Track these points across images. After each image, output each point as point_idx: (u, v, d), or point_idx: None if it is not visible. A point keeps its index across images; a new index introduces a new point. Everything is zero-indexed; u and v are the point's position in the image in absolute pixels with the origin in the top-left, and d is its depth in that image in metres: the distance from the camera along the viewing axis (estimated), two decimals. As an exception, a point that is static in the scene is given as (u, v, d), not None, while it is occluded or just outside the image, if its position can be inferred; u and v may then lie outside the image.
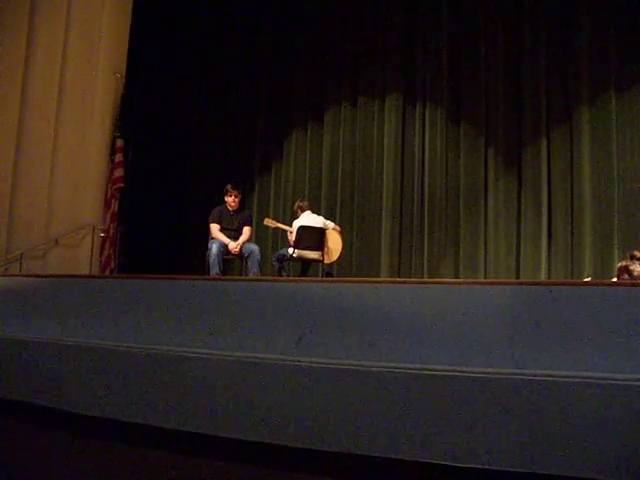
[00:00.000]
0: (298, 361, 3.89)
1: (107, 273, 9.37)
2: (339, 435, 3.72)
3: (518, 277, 8.44)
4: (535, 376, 3.40)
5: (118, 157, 9.81)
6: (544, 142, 8.54)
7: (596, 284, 4.49)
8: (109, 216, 9.72)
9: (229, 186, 8.18)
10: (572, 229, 8.32)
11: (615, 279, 5.65)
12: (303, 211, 8.73)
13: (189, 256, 9.61)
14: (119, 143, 9.86)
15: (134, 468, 4.32)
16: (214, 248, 7.75)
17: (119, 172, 9.78)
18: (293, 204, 9.51)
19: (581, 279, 7.81)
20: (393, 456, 3.57)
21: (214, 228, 8.03)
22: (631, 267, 5.56)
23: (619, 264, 5.70)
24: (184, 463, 4.20)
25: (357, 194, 9.52)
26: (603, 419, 3.24)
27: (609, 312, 3.55)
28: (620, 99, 8.20)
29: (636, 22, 8.13)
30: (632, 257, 5.72)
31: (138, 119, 10.31)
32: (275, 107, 10.24)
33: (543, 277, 8.29)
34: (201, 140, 10.51)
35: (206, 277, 6.78)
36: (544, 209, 8.43)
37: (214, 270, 7.65)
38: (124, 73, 10.03)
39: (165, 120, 10.45)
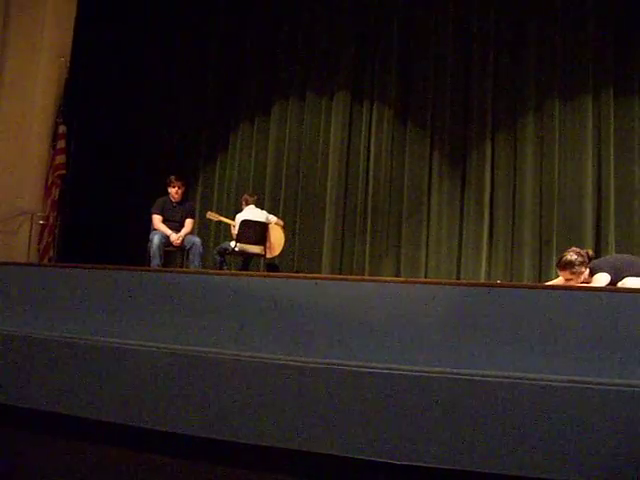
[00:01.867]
0: (237, 355, 3.88)
1: (45, 262, 9.21)
2: (274, 429, 3.72)
3: (458, 278, 8.53)
4: (471, 376, 3.45)
5: (60, 144, 9.63)
6: (489, 146, 8.63)
7: (533, 287, 4.58)
8: (49, 203, 9.55)
9: (173, 177, 8.14)
10: (513, 233, 8.44)
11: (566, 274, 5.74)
12: (247, 205, 8.71)
13: (130, 247, 9.51)
14: (62, 129, 9.69)
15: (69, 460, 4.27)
16: (156, 239, 7.70)
17: (61, 159, 9.60)
18: (237, 197, 9.49)
19: (521, 281, 7.97)
20: (323, 451, 3.59)
21: (156, 219, 7.97)
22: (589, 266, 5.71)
23: (573, 257, 5.84)
24: (121, 456, 4.17)
25: (301, 190, 9.51)
26: (535, 419, 3.31)
27: (545, 314, 3.63)
28: (564, 107, 8.34)
29: (582, 32, 8.29)
30: (589, 258, 5.86)
31: (82, 105, 10.12)
32: (222, 99, 10.15)
33: (483, 279, 8.40)
34: (146, 129, 10.37)
35: (147, 268, 6.73)
36: (486, 212, 8.54)
37: (155, 261, 7.60)
38: (69, 58, 9.85)
39: (110, 108, 10.27)
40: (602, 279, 5.57)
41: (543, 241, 8.25)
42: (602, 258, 6.36)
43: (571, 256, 5.77)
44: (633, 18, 8.12)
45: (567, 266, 5.76)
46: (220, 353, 3.95)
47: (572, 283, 5.78)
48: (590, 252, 5.96)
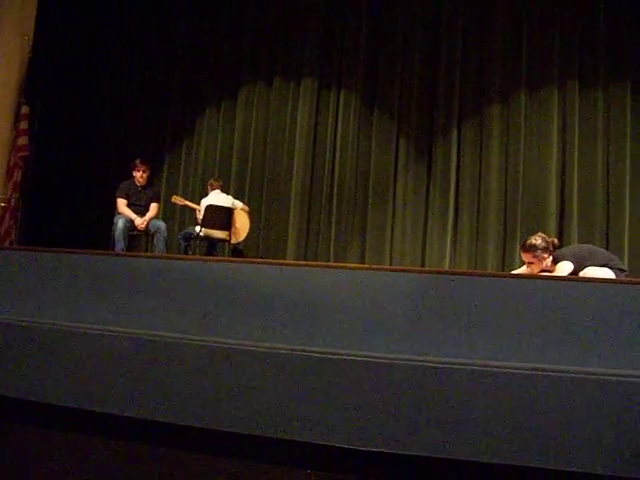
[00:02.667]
0: (201, 341, 3.87)
1: (7, 245, 9.09)
2: (237, 414, 3.73)
3: (423, 265, 8.58)
4: (434, 362, 3.48)
5: (23, 124, 9.46)
6: (455, 135, 8.69)
7: (497, 275, 4.62)
8: (11, 186, 9.38)
9: (138, 161, 8.09)
10: (477, 221, 8.51)
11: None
12: (213, 189, 8.69)
13: (94, 231, 9.42)
14: (24, 110, 9.52)
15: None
16: (120, 223, 7.65)
17: (23, 140, 9.44)
18: (203, 182, 9.45)
19: (485, 270, 8.04)
20: (287, 437, 3.60)
21: (121, 203, 7.92)
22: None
23: (538, 241, 5.91)
24: (82, 441, 4.14)
25: (267, 175, 9.48)
26: (497, 406, 3.35)
27: (508, 302, 3.66)
28: (530, 99, 8.42)
29: (548, 25, 8.36)
30: (554, 247, 5.93)
31: (46, 86, 9.98)
32: (189, 83, 10.08)
33: (447, 266, 8.46)
34: (111, 112, 10.27)
35: (110, 253, 6.67)
36: (451, 200, 8.60)
37: (119, 246, 7.56)
38: (32, 35, 9.67)
39: (75, 88, 10.14)
40: (565, 268, 5.64)
41: (507, 230, 8.33)
42: (565, 247, 6.44)
43: (536, 240, 5.85)
44: (598, 11, 8.21)
45: (530, 249, 5.83)
46: (184, 339, 3.94)
47: (533, 267, 5.86)
48: (556, 241, 6.04)
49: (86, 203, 9.88)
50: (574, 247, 6.50)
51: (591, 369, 3.29)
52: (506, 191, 8.41)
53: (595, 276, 5.38)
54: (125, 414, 3.97)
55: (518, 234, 8.19)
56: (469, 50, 8.76)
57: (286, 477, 3.70)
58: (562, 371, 3.31)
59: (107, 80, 10.31)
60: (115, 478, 3.95)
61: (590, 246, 6.29)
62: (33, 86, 9.65)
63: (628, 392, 3.21)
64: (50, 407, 4.16)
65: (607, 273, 5.47)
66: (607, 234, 7.80)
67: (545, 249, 5.80)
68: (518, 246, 8.09)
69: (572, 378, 3.28)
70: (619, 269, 5.59)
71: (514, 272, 6.27)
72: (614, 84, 8.13)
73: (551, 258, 5.83)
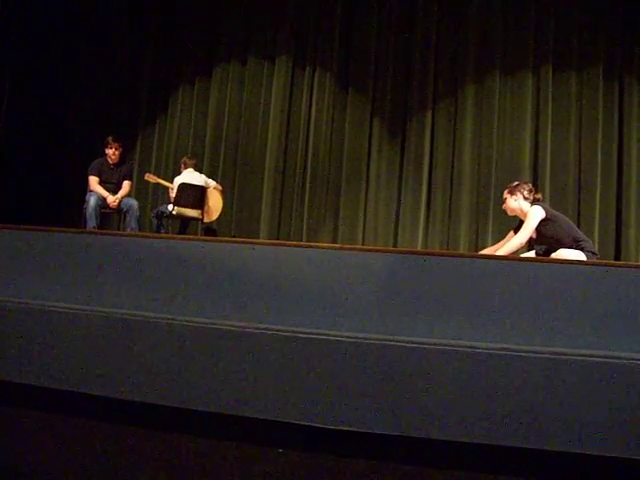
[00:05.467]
0: (172, 319, 3.87)
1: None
2: (210, 394, 3.73)
3: (395, 245, 8.63)
4: (405, 342, 3.50)
5: (-11, 101, 9.35)
6: (429, 115, 8.71)
7: (470, 256, 4.65)
8: (-21, 163, 9.28)
9: (110, 138, 8.01)
10: (450, 202, 8.56)
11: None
12: (186, 168, 8.64)
13: (65, 208, 9.35)
14: (-7, 86, 9.41)
15: None
16: (92, 201, 7.59)
17: (-8, 117, 9.34)
18: (176, 160, 9.39)
19: (457, 250, 8.09)
20: (257, 416, 3.61)
21: (93, 181, 7.85)
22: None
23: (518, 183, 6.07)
24: (50, 421, 4.13)
25: (241, 154, 9.45)
26: (467, 385, 3.38)
27: (479, 283, 3.69)
28: (504, 81, 8.48)
29: (523, 9, 8.40)
30: (534, 198, 6.02)
31: (15, 61, 9.82)
32: (162, 60, 9.98)
33: (420, 247, 8.50)
34: (83, 89, 10.15)
35: (82, 230, 6.62)
36: (424, 181, 8.63)
37: (91, 223, 7.50)
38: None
39: (45, 64, 10.00)
40: (536, 212, 5.72)
41: (480, 210, 8.38)
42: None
43: (520, 182, 6.09)
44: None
45: (509, 186, 6.08)
46: (155, 317, 3.93)
47: (507, 204, 6.03)
48: (539, 195, 6.10)
49: (57, 180, 9.79)
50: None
51: (559, 349, 3.33)
52: (479, 172, 8.46)
53: (568, 257, 5.43)
54: (95, 393, 3.96)
55: (490, 215, 8.26)
56: (444, 32, 8.77)
57: (258, 456, 3.71)
58: (531, 351, 3.35)
59: (79, 57, 10.18)
60: (80, 455, 3.95)
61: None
62: (1, 62, 9.49)
63: (595, 372, 3.25)
64: (18, 385, 4.14)
65: (579, 255, 5.52)
66: (578, 217, 7.87)
67: (523, 189, 5.92)
68: (490, 226, 8.18)
69: (541, 358, 3.32)
70: (591, 252, 5.64)
71: (485, 251, 6.30)
72: (587, 69, 8.19)
73: (527, 205, 5.89)
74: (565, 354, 3.30)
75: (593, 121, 8.09)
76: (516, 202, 5.94)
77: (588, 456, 3.23)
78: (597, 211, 7.94)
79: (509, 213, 6.11)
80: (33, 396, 4.13)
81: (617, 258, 7.80)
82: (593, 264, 4.11)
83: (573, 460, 3.28)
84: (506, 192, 6.05)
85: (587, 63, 8.18)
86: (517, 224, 6.01)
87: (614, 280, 3.54)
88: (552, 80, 8.27)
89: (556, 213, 5.89)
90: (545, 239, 5.87)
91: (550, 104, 8.26)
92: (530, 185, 6.10)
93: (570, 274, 3.63)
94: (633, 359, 3.23)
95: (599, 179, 7.98)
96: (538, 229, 5.76)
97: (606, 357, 3.26)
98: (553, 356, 3.30)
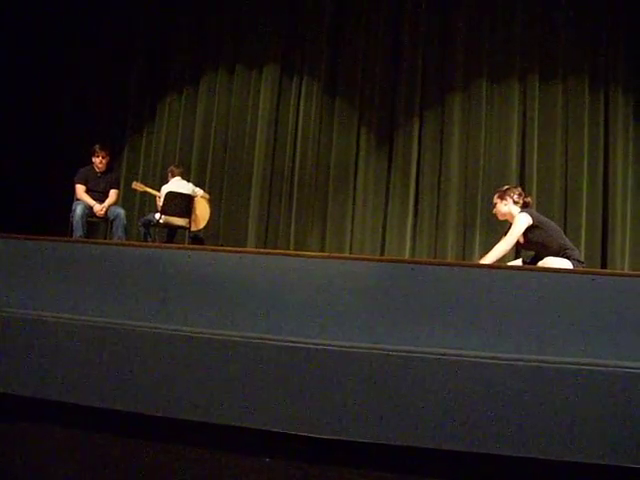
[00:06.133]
0: (158, 328, 3.85)
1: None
2: (195, 403, 3.72)
3: (383, 254, 8.63)
4: (392, 351, 3.50)
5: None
6: (416, 124, 8.73)
7: (458, 265, 4.66)
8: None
9: (97, 146, 8.00)
10: (437, 210, 8.57)
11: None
12: (174, 176, 8.63)
13: (52, 217, 9.30)
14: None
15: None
16: (78, 210, 7.58)
17: (-22, 124, 9.30)
18: (163, 169, 9.37)
19: (445, 259, 8.11)
20: (245, 425, 3.60)
21: (79, 189, 7.84)
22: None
23: (508, 187, 6.12)
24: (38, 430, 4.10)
25: (228, 162, 9.44)
26: (456, 394, 3.38)
27: (465, 292, 3.70)
28: (491, 90, 8.52)
29: (510, 17, 8.45)
30: (525, 203, 6.04)
31: (1, 69, 9.79)
32: (150, 68, 9.98)
33: (407, 255, 8.51)
34: (71, 96, 10.12)
35: (69, 239, 6.60)
36: (412, 189, 8.65)
37: (77, 232, 7.48)
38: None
39: (30, 71, 9.97)
40: (522, 219, 5.75)
41: (467, 219, 8.40)
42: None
43: (510, 186, 6.15)
44: (559, 6, 8.30)
45: (499, 190, 6.12)
46: (142, 326, 3.91)
47: (497, 208, 6.07)
48: (529, 199, 6.13)
49: (43, 189, 9.74)
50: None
51: (546, 357, 3.34)
52: (466, 180, 8.48)
53: (555, 266, 5.45)
54: (83, 403, 3.94)
55: (478, 223, 8.28)
56: (431, 40, 8.79)
57: (244, 465, 3.70)
58: (518, 359, 3.35)
59: (66, 63, 10.15)
60: (64, 464, 3.93)
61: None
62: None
63: (582, 380, 3.26)
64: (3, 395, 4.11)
65: (565, 264, 5.54)
66: (565, 224, 7.89)
67: (513, 194, 5.95)
68: (478, 234, 8.21)
69: (528, 366, 3.32)
70: (577, 260, 5.66)
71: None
72: (573, 77, 8.24)
73: (517, 209, 5.91)
74: (552, 362, 3.31)
75: (579, 129, 8.14)
76: (506, 207, 5.97)
77: (574, 464, 3.24)
78: (583, 217, 7.97)
79: (499, 217, 6.14)
80: (16, 406, 4.11)
81: (603, 264, 7.84)
82: (580, 272, 4.13)
83: (560, 468, 3.28)
84: (496, 196, 6.08)
85: (573, 72, 8.23)
86: (507, 229, 6.03)
87: (600, 288, 3.56)
88: (539, 88, 8.31)
89: (544, 220, 5.91)
90: (532, 245, 5.89)
91: (537, 112, 8.30)
92: (520, 189, 6.14)
93: (557, 283, 3.64)
94: (619, 367, 3.24)
95: (585, 186, 8.02)
96: (525, 235, 5.79)
97: (593, 365, 3.27)
98: (540, 364, 3.31)
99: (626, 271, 7.40)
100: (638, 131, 8.04)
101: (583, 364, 3.28)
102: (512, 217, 5.91)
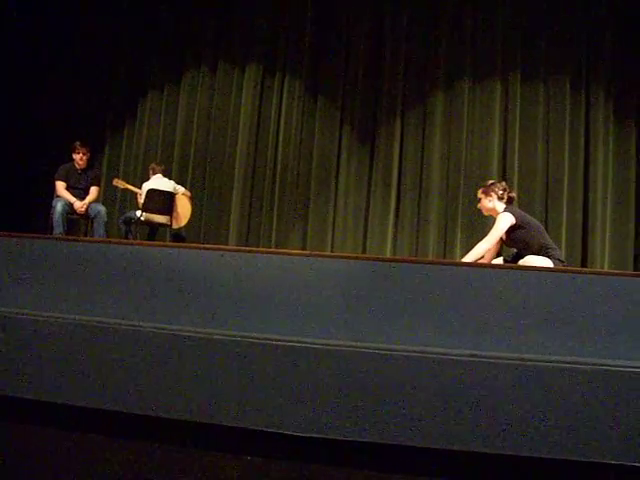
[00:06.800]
0: (139, 326, 3.84)
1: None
2: (176, 401, 3.70)
3: (364, 252, 8.64)
4: (372, 349, 3.50)
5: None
6: (398, 123, 8.76)
7: (439, 263, 4.67)
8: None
9: (77, 143, 7.96)
10: (419, 208, 8.60)
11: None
12: (155, 174, 8.60)
13: (32, 214, 9.25)
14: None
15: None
16: (59, 207, 7.54)
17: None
18: (144, 166, 9.34)
19: (426, 258, 8.13)
20: (226, 423, 3.59)
21: (60, 186, 7.80)
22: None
23: (493, 182, 6.15)
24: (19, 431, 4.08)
25: (210, 160, 9.42)
26: (436, 392, 3.39)
27: (446, 289, 3.71)
28: (473, 89, 8.55)
29: (492, 17, 8.49)
30: (509, 198, 6.05)
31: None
32: (131, 66, 9.93)
33: (388, 253, 8.53)
34: (51, 94, 10.05)
35: (49, 236, 6.56)
36: (393, 188, 8.67)
37: (58, 230, 7.45)
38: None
39: (13, 69, 9.92)
40: (504, 219, 5.76)
41: (449, 217, 8.43)
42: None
43: (494, 182, 6.16)
44: (540, 7, 8.34)
45: (483, 185, 6.12)
46: (122, 324, 3.89)
47: (481, 204, 6.08)
48: (513, 194, 6.14)
49: (24, 186, 9.68)
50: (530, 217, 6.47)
51: (526, 355, 3.35)
52: (448, 180, 8.52)
53: (535, 264, 5.48)
54: (63, 401, 3.91)
55: (459, 221, 8.32)
56: (414, 39, 8.81)
57: (224, 463, 3.69)
58: (499, 357, 3.36)
59: (47, 60, 10.09)
60: (43, 463, 3.91)
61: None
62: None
63: (561, 378, 3.28)
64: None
65: (546, 262, 5.57)
66: (546, 222, 7.93)
67: (498, 190, 5.95)
68: (459, 233, 8.24)
69: (509, 364, 3.33)
70: (558, 259, 5.69)
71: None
72: (554, 77, 8.28)
73: (502, 206, 5.93)
74: (532, 360, 3.32)
75: (560, 128, 8.19)
76: (490, 203, 5.99)
77: (555, 460, 3.26)
78: (564, 216, 8.03)
79: (484, 213, 6.16)
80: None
81: (584, 262, 7.90)
82: (560, 271, 4.15)
83: (544, 465, 3.30)
84: (480, 192, 6.08)
85: (554, 72, 8.28)
86: (491, 225, 6.04)
87: (581, 287, 3.58)
88: (520, 88, 8.36)
89: (527, 220, 5.91)
90: (514, 243, 5.92)
91: (518, 112, 8.35)
92: (504, 184, 6.14)
93: (538, 281, 3.66)
94: (598, 365, 3.26)
95: (566, 185, 8.08)
96: (508, 234, 5.81)
97: (572, 363, 3.29)
98: (521, 362, 3.32)
99: (606, 270, 7.46)
100: (618, 130, 8.11)
101: (563, 362, 3.30)
102: (497, 213, 5.92)
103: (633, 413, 3.20)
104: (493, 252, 6.08)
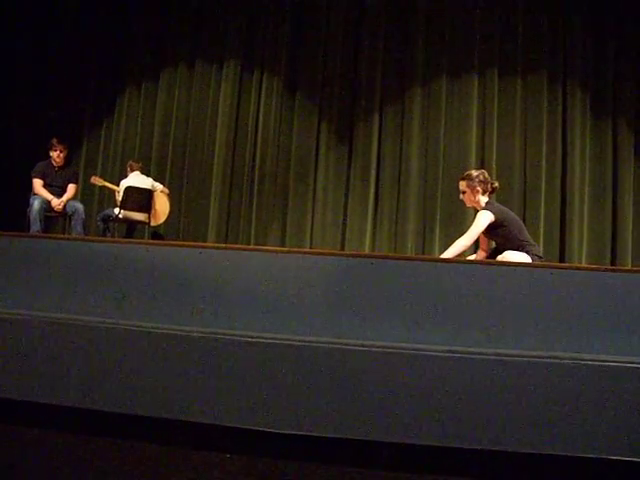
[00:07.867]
0: (117, 324, 3.82)
1: None
2: (156, 400, 3.69)
3: (343, 248, 8.66)
4: (352, 345, 3.51)
5: None
6: (376, 119, 8.78)
7: (417, 259, 4.68)
8: None
9: (55, 140, 7.91)
10: (397, 205, 8.63)
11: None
12: (133, 171, 8.57)
13: (9, 212, 9.17)
14: None
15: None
16: (36, 204, 7.50)
17: None
18: (122, 163, 9.29)
19: (405, 254, 8.15)
20: (207, 421, 3.59)
21: (37, 183, 7.75)
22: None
23: (476, 173, 6.00)
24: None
25: (188, 157, 9.39)
26: (416, 388, 3.40)
27: (424, 286, 3.72)
28: (451, 85, 8.58)
29: (469, 13, 8.53)
30: (493, 188, 6.02)
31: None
32: (109, 62, 9.87)
33: (367, 250, 8.55)
34: (28, 90, 9.98)
35: (25, 234, 6.52)
36: (372, 184, 8.69)
37: (35, 227, 7.41)
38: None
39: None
40: (483, 218, 5.71)
41: (427, 213, 8.46)
42: (503, 206, 6.39)
43: (476, 172, 5.99)
44: (517, 4, 8.39)
45: (466, 177, 5.94)
46: (100, 322, 3.87)
47: (465, 197, 5.97)
48: (495, 184, 6.09)
49: (0, 183, 9.59)
50: (511, 212, 6.45)
51: (505, 351, 3.37)
52: (426, 176, 8.55)
53: (514, 260, 5.49)
54: (41, 401, 3.89)
55: (438, 217, 8.36)
56: (391, 36, 8.84)
57: (205, 461, 3.69)
58: (477, 353, 3.38)
59: (24, 57, 10.00)
60: (34, 464, 3.88)
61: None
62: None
63: (539, 372, 3.30)
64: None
65: (524, 258, 5.59)
66: (524, 218, 7.96)
67: (481, 182, 5.88)
68: (438, 230, 8.27)
69: (487, 360, 3.35)
70: (537, 256, 5.71)
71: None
72: (531, 73, 8.34)
73: (485, 200, 5.92)
74: (510, 355, 3.34)
75: (538, 124, 8.24)
76: (474, 196, 5.93)
77: (534, 455, 3.28)
78: (542, 212, 8.09)
79: (467, 204, 6.09)
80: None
81: (561, 257, 7.96)
82: (538, 266, 4.17)
83: (523, 460, 3.32)
84: (465, 185, 5.93)
85: (531, 68, 8.33)
86: (472, 219, 6.03)
87: (558, 282, 3.60)
88: (497, 84, 8.40)
89: (507, 217, 5.86)
90: (493, 238, 5.94)
91: (496, 108, 8.40)
92: (486, 174, 6.05)
93: (516, 277, 3.68)
94: (575, 359, 3.29)
95: (544, 181, 8.14)
96: (487, 230, 5.81)
97: (550, 357, 3.31)
98: (499, 357, 3.34)
99: (583, 265, 7.51)
100: (596, 127, 8.18)
101: (541, 357, 3.32)
102: (480, 207, 5.89)
103: (610, 406, 3.23)
104: (485, 249, 6.11)
